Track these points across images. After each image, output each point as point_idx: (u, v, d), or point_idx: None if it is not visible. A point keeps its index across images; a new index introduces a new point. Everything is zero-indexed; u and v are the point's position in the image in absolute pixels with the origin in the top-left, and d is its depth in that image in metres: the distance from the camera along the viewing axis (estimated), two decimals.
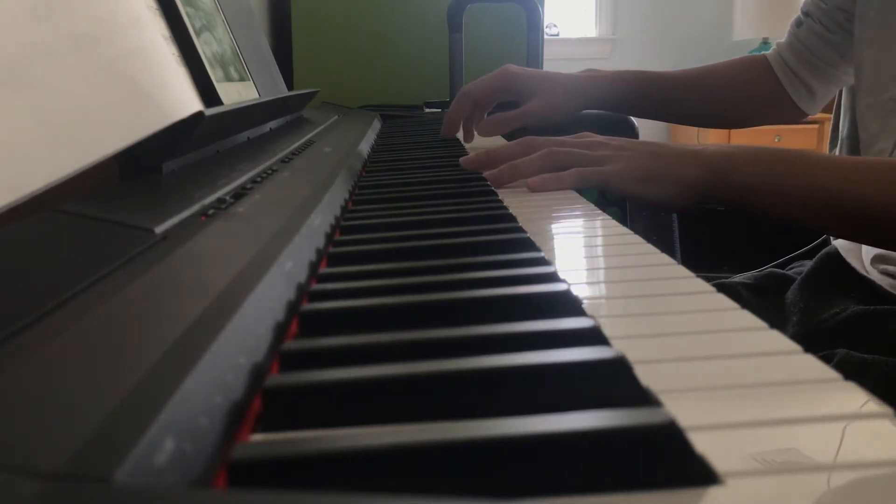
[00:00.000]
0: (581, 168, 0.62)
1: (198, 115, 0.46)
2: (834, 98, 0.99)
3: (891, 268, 0.71)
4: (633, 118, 1.45)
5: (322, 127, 0.90)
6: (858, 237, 0.60)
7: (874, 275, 0.73)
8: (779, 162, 0.59)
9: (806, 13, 0.89)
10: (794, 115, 0.95)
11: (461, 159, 0.69)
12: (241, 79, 0.71)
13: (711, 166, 0.60)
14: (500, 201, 0.53)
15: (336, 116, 1.09)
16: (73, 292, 0.24)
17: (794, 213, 0.59)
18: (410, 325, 0.28)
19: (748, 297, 0.78)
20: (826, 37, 0.86)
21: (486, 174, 0.65)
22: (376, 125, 1.12)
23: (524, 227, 0.44)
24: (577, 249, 0.47)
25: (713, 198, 0.61)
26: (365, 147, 0.84)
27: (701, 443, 0.19)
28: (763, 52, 0.97)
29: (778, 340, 0.27)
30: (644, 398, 0.22)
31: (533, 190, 0.61)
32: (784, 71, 0.92)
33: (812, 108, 0.94)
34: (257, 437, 0.21)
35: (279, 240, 0.33)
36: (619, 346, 0.25)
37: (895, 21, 0.72)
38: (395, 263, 0.37)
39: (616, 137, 0.65)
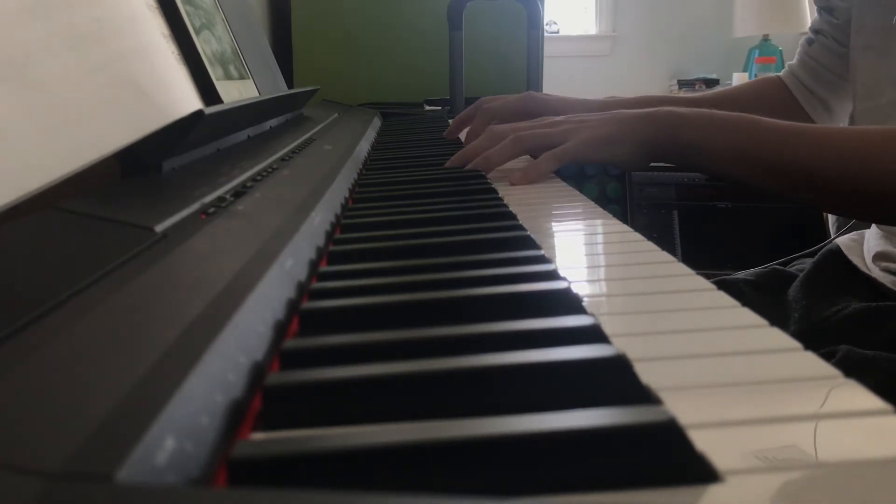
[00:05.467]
0: (551, 151, 0.65)
1: (197, 114, 0.46)
2: None
3: (892, 265, 0.71)
4: None
5: (322, 125, 0.90)
6: (792, 197, 0.63)
7: (876, 272, 0.73)
8: (724, 122, 0.62)
9: (817, 31, 0.90)
10: None
11: (447, 163, 0.72)
12: (241, 77, 0.71)
13: (661, 124, 0.64)
14: (501, 199, 0.53)
15: (336, 114, 1.09)
16: (73, 291, 0.24)
17: (733, 170, 0.62)
18: (411, 324, 0.28)
19: (750, 294, 0.78)
20: (840, 52, 0.87)
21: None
22: (376, 123, 1.12)
23: (524, 225, 0.44)
24: (577, 247, 0.47)
25: (665, 155, 0.65)
26: (365, 145, 0.84)
27: (701, 441, 0.19)
28: (777, 73, 0.97)
29: (778, 338, 0.27)
30: (644, 396, 0.22)
31: (514, 184, 0.65)
32: (800, 90, 0.93)
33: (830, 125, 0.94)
34: (258, 436, 0.21)
35: (279, 238, 0.33)
36: (619, 343, 0.25)
37: (892, 27, 0.72)
38: (395, 261, 0.37)
39: (575, 115, 0.70)
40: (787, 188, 0.61)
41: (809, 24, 0.93)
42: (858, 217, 0.73)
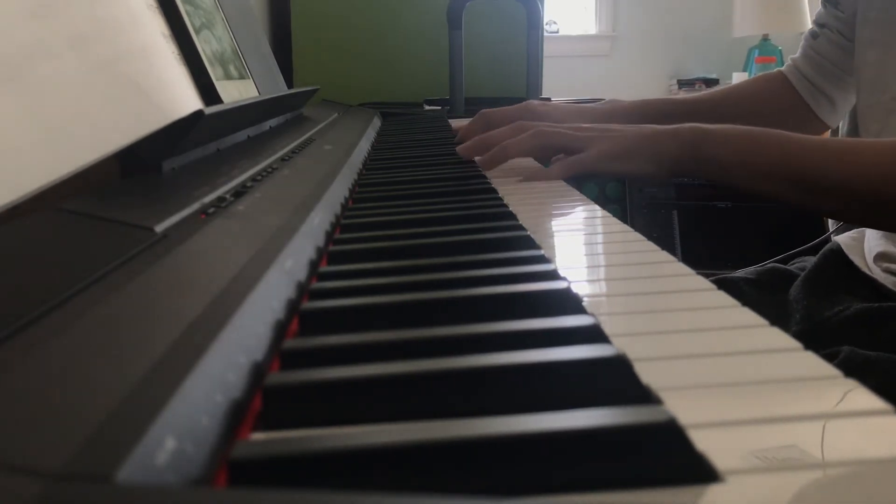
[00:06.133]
0: (567, 160, 0.66)
1: (197, 114, 0.46)
2: None
3: (894, 266, 0.71)
4: None
5: (322, 125, 0.90)
6: (819, 209, 0.65)
7: (877, 273, 0.73)
8: (746, 138, 0.63)
9: (821, 24, 0.90)
10: (816, 128, 0.95)
11: (458, 148, 0.73)
12: (241, 77, 0.71)
13: (685, 140, 0.65)
14: (501, 199, 0.53)
15: (336, 114, 1.09)
16: (73, 291, 0.24)
17: (758, 186, 0.63)
18: (410, 324, 0.28)
19: (750, 293, 0.78)
20: (845, 45, 0.87)
21: (477, 159, 0.70)
22: (376, 123, 1.12)
23: (524, 225, 0.44)
24: (577, 247, 0.47)
25: (688, 171, 0.66)
26: (365, 145, 0.84)
27: (701, 440, 0.19)
28: (779, 69, 0.97)
29: (778, 337, 0.27)
30: (644, 396, 0.22)
31: (526, 179, 0.66)
32: (803, 84, 0.92)
33: (833, 119, 0.94)
34: (258, 436, 0.21)
35: (279, 238, 0.33)
36: (619, 343, 0.25)
37: None
38: (395, 261, 0.37)
39: (601, 125, 0.71)
40: (814, 202, 0.62)
41: (813, 18, 0.92)
42: (887, 229, 0.73)
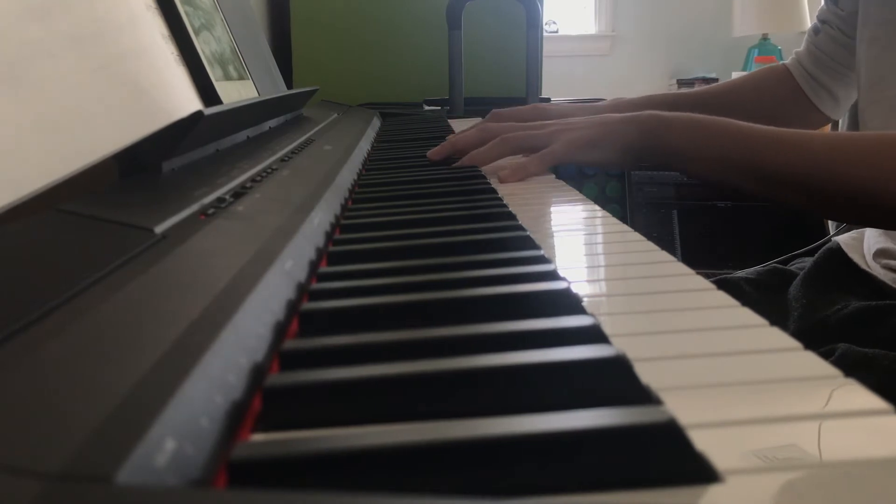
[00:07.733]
0: (538, 154, 0.67)
1: (197, 114, 0.46)
2: None
3: (893, 262, 0.71)
4: None
5: (322, 125, 0.90)
6: (778, 200, 0.64)
7: (876, 270, 0.73)
8: (703, 128, 0.64)
9: (823, 21, 0.90)
10: (819, 121, 0.95)
11: (428, 153, 0.74)
12: (241, 77, 0.71)
13: (644, 128, 0.65)
14: (500, 199, 0.53)
15: (335, 114, 1.09)
16: (72, 292, 0.24)
17: (713, 175, 0.64)
18: (410, 324, 0.28)
19: (750, 293, 0.78)
20: (845, 42, 0.87)
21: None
22: (376, 123, 1.12)
23: (524, 225, 0.44)
24: (577, 247, 0.47)
25: (650, 159, 0.66)
26: (365, 145, 0.84)
27: (701, 440, 0.19)
28: (783, 63, 0.97)
29: (778, 337, 0.27)
30: (644, 396, 0.22)
31: (503, 181, 0.67)
32: (805, 79, 0.92)
33: (836, 112, 0.94)
34: (257, 437, 0.21)
35: (279, 239, 0.33)
36: (619, 343, 0.25)
37: None
38: (394, 262, 0.37)
39: (564, 119, 0.72)
40: (768, 191, 0.62)
41: (816, 14, 0.92)
42: (842, 220, 0.73)
